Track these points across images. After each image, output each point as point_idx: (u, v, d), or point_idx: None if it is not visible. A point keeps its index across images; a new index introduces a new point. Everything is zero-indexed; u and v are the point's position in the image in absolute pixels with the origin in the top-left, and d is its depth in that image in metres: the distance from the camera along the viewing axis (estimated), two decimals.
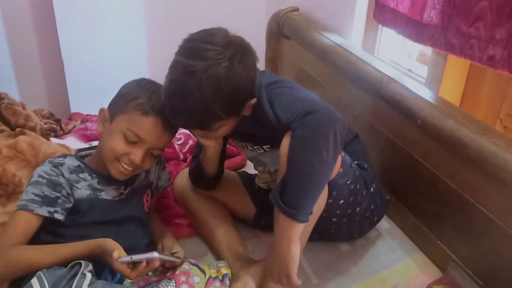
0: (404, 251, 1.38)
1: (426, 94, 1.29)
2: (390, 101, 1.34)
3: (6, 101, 1.43)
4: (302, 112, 1.00)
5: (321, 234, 1.31)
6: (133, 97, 1.15)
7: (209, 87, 1.02)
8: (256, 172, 1.46)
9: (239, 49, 1.07)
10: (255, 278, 1.21)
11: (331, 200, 1.15)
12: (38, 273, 0.98)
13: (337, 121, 0.99)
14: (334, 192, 1.14)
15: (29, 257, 1.03)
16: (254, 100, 1.14)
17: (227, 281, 1.21)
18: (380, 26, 1.69)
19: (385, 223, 1.46)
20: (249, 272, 1.23)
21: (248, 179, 1.50)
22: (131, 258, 1.00)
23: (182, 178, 1.50)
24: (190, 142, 1.78)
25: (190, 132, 1.23)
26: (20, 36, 1.92)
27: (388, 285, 1.28)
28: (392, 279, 1.30)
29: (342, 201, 1.19)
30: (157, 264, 1.05)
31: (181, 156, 1.75)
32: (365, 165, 1.30)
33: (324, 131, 0.97)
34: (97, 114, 1.84)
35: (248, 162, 1.79)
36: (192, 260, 1.19)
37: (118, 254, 0.99)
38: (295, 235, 1.02)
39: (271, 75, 1.25)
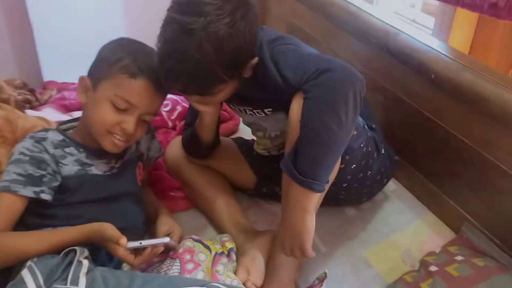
0: (414, 212, 1.33)
1: (438, 46, 1.20)
2: (399, 55, 1.24)
3: None
4: (316, 71, 0.90)
5: (327, 200, 1.24)
6: (116, 59, 1.03)
7: (210, 46, 0.90)
8: (254, 138, 1.36)
9: (239, 3, 0.94)
10: (263, 251, 1.14)
11: (343, 165, 1.07)
12: (29, 263, 0.88)
13: (356, 80, 0.89)
14: (346, 157, 1.06)
15: (16, 245, 0.92)
16: (255, 60, 1.03)
17: (233, 256, 1.14)
18: None
19: (391, 185, 1.40)
20: (255, 244, 1.16)
21: (246, 146, 1.40)
22: (140, 243, 0.91)
23: (175, 147, 1.39)
24: (179, 108, 1.66)
25: (185, 98, 1.11)
26: None
27: (401, 249, 1.23)
28: (404, 243, 1.25)
29: (354, 165, 1.11)
30: (161, 249, 0.97)
31: (170, 124, 1.64)
32: (373, 126, 1.22)
33: (343, 92, 0.87)
34: (74, 82, 1.74)
35: (241, 127, 1.69)
36: (194, 236, 1.11)
37: (125, 240, 0.90)
38: (311, 205, 0.94)
39: (271, 31, 1.13)
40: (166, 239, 0.97)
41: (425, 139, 1.29)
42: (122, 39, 1.11)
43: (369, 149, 1.14)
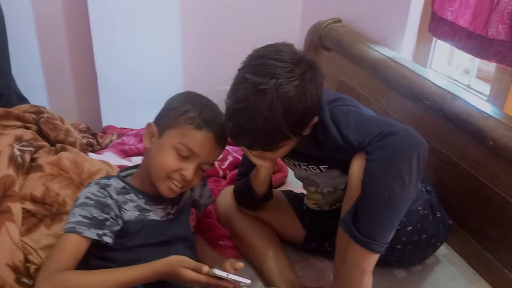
0: (466, 279, 1.30)
1: (496, 112, 1.21)
2: (455, 120, 1.25)
3: (45, 115, 1.36)
4: (380, 134, 0.93)
5: (379, 261, 1.23)
6: (184, 111, 1.10)
7: (280, 106, 0.95)
8: (303, 191, 1.38)
9: (309, 66, 1.00)
10: None
11: (399, 227, 1.07)
12: None
13: (420, 144, 0.91)
14: (403, 219, 1.05)
15: (84, 283, 0.97)
16: (316, 119, 1.07)
17: None
18: (434, 39, 1.61)
19: (443, 249, 1.37)
20: None
21: (295, 199, 1.42)
22: (227, 275, 0.96)
23: (225, 197, 1.43)
24: (230, 158, 1.71)
25: (244, 151, 1.16)
26: (53, 48, 1.89)
27: None
28: None
29: (410, 227, 1.11)
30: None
31: (221, 173, 1.68)
32: (428, 188, 1.22)
33: (407, 155, 0.90)
34: (132, 128, 1.83)
35: (288, 179, 1.72)
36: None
37: (207, 268, 0.95)
38: (369, 266, 0.95)
39: (330, 91, 1.18)
40: (248, 281, 1.00)
41: (479, 205, 1.28)
42: (189, 93, 1.19)
43: (425, 212, 1.14)
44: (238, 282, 0.98)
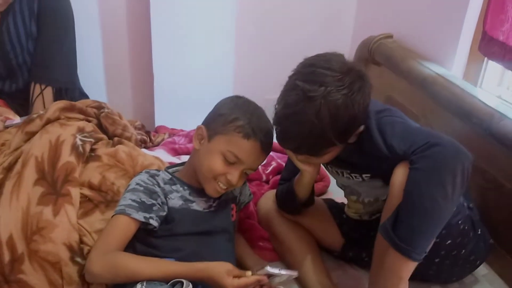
0: None
1: None
2: (503, 139, 1.25)
3: (106, 110, 1.46)
4: (426, 144, 0.95)
5: (415, 274, 1.24)
6: (233, 118, 1.16)
7: (328, 113, 0.99)
8: (344, 201, 1.40)
9: (358, 76, 1.04)
10: None
11: (438, 240, 1.08)
12: (139, 285, 0.98)
13: (465, 157, 0.93)
14: (443, 231, 1.06)
15: (131, 266, 1.03)
16: (362, 128, 1.10)
17: None
18: (485, 58, 1.61)
19: (482, 269, 1.35)
20: None
21: (336, 208, 1.44)
22: (280, 270, 1.03)
23: (268, 200, 1.47)
24: (273, 163, 1.75)
25: (290, 155, 1.21)
26: (115, 50, 2.01)
27: None
28: None
29: (449, 241, 1.12)
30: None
31: (264, 177, 1.73)
32: (471, 205, 1.22)
33: (451, 166, 0.92)
34: (183, 129, 1.92)
35: (330, 189, 1.74)
36: None
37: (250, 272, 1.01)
38: (406, 274, 0.97)
39: (377, 102, 1.20)
40: (296, 273, 1.07)
41: None
42: (238, 98, 1.24)
43: (466, 227, 1.14)
44: (290, 275, 1.06)
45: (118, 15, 1.96)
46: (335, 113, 1.00)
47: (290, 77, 1.07)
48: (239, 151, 1.14)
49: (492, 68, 1.65)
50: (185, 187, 1.21)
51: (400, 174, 0.99)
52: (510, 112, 1.33)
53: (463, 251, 1.16)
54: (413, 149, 0.97)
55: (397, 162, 1.03)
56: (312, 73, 1.03)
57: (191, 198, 1.20)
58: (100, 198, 1.24)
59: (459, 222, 1.10)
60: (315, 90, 1.00)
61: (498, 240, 1.33)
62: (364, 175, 1.23)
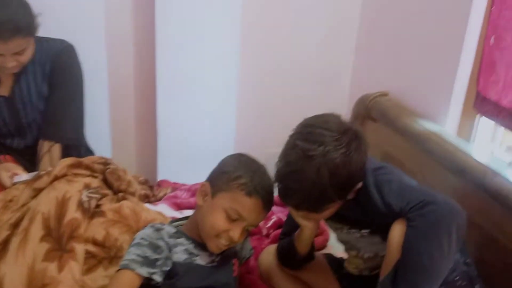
0: None
1: None
2: (496, 196, 1.29)
3: (111, 166, 1.50)
4: (422, 202, 0.99)
5: None
6: (236, 176, 1.19)
7: (327, 171, 1.04)
8: (343, 256, 1.42)
9: (355, 135, 1.10)
10: None
11: None
12: None
13: (459, 215, 0.97)
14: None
15: None
16: (360, 185, 1.14)
17: None
18: (478, 115, 1.67)
19: None
20: None
21: (335, 262, 1.46)
22: None
23: (268, 255, 1.49)
24: (274, 218, 1.78)
25: (291, 212, 1.24)
26: (122, 108, 2.09)
27: None
28: None
29: None
30: None
31: (264, 232, 1.75)
32: (468, 260, 1.24)
33: (446, 225, 0.96)
34: (184, 183, 1.96)
35: (329, 243, 1.76)
36: None
37: None
38: None
39: (374, 160, 1.25)
40: None
41: None
42: (241, 155, 1.29)
43: (463, 283, 1.16)
44: None
45: (125, 76, 2.05)
46: (334, 171, 1.05)
47: (290, 137, 1.13)
48: (242, 208, 1.17)
49: (485, 123, 1.70)
50: (190, 241, 1.24)
51: (397, 231, 1.03)
52: (503, 169, 1.38)
53: None
54: (410, 207, 1.01)
55: (394, 219, 1.07)
56: (311, 133, 1.09)
57: (195, 251, 1.23)
58: (104, 254, 1.27)
59: (456, 278, 1.12)
60: (315, 149, 1.05)
61: None
62: (363, 231, 1.26)
